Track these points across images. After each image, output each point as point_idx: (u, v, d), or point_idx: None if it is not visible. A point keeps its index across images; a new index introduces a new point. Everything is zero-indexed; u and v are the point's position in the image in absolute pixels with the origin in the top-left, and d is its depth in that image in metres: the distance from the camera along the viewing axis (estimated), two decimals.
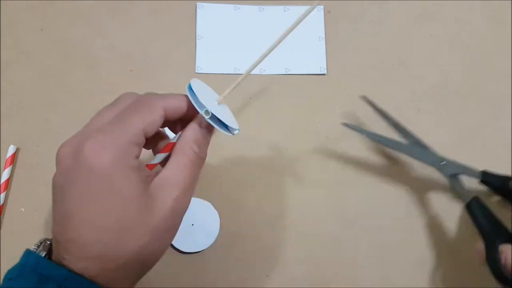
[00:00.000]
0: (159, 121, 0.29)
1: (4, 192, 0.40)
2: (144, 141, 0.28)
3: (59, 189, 0.27)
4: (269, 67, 0.46)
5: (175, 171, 0.28)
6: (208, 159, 0.45)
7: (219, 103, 0.31)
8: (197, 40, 0.47)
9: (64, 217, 0.26)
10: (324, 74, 0.47)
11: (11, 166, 0.41)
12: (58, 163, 0.27)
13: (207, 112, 0.29)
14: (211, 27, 0.48)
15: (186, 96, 0.30)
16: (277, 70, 0.46)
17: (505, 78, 0.47)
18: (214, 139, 0.44)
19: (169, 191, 0.27)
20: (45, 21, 0.47)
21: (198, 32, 0.47)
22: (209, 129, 0.31)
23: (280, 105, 0.45)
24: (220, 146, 0.44)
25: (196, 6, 0.48)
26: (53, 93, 0.44)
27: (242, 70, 0.46)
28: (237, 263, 0.39)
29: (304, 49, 0.47)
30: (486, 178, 0.40)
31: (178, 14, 0.48)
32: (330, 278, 0.40)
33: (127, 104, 0.29)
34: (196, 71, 0.46)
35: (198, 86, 0.30)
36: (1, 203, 0.40)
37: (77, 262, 0.25)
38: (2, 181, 0.40)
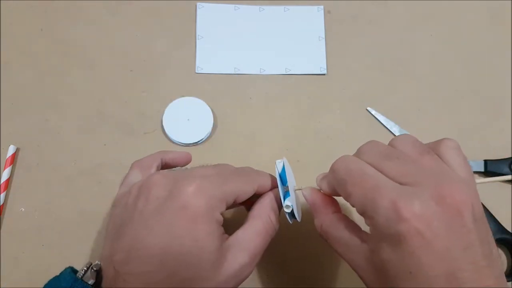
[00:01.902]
0: (251, 193, 0.30)
1: (4, 192, 0.40)
2: (231, 204, 0.29)
3: (137, 214, 0.27)
4: (269, 67, 0.46)
5: (249, 236, 0.29)
6: (208, 159, 0.45)
7: (296, 190, 0.33)
8: (197, 40, 0.47)
9: (134, 247, 0.26)
10: (324, 74, 0.47)
11: (11, 166, 0.41)
12: (147, 188, 0.27)
13: (287, 206, 0.31)
14: (211, 27, 0.48)
15: (274, 177, 0.32)
16: (277, 70, 0.46)
17: (505, 78, 0.47)
18: (214, 138, 0.44)
19: (239, 255, 0.28)
20: (45, 21, 0.47)
21: (198, 32, 0.47)
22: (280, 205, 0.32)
23: (280, 105, 0.45)
24: (220, 146, 0.44)
25: (196, 6, 0.48)
26: (53, 93, 0.44)
27: (242, 70, 0.46)
28: None
29: (304, 49, 0.47)
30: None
31: (178, 14, 0.48)
32: (330, 278, 0.40)
33: (229, 170, 0.31)
34: (196, 71, 0.46)
35: (287, 169, 0.32)
36: (1, 203, 0.40)
37: None
38: (2, 181, 0.40)
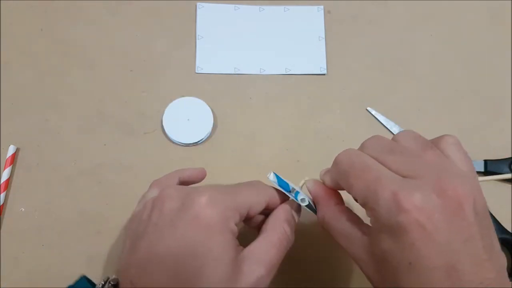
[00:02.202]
0: (263, 205, 0.30)
1: (4, 192, 0.40)
2: (245, 216, 0.29)
3: (152, 227, 0.27)
4: (269, 67, 0.46)
5: (264, 248, 0.29)
6: (208, 159, 0.45)
7: (301, 188, 0.33)
8: (197, 40, 0.47)
9: (149, 260, 0.26)
10: (324, 74, 0.47)
11: (11, 166, 0.41)
12: (161, 200, 0.27)
13: (303, 200, 0.31)
14: (211, 27, 0.48)
15: (280, 191, 0.32)
16: (277, 70, 0.46)
17: (505, 78, 0.47)
18: (214, 138, 0.44)
19: (255, 268, 0.27)
20: (45, 21, 0.47)
21: (198, 32, 0.47)
22: (298, 212, 0.33)
23: (280, 105, 0.45)
24: (220, 146, 0.44)
25: (196, 6, 0.48)
26: (53, 93, 0.44)
27: (242, 70, 0.46)
28: None
29: (304, 49, 0.47)
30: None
31: (178, 14, 0.48)
32: (330, 278, 0.40)
33: (239, 184, 0.31)
34: (196, 71, 0.46)
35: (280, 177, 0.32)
36: (1, 203, 0.40)
37: None
38: (2, 181, 0.40)
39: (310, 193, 0.32)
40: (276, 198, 0.32)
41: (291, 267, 0.40)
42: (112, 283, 0.27)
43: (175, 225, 0.26)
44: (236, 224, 0.28)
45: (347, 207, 0.31)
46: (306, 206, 0.31)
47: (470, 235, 0.23)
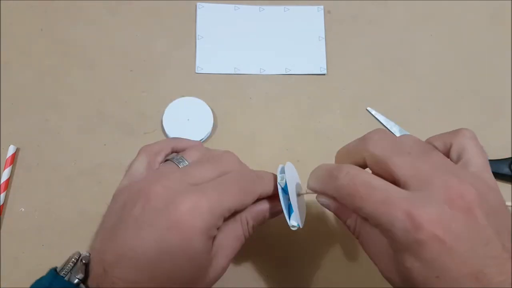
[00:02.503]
0: (249, 204, 0.30)
1: (4, 192, 0.40)
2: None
3: (132, 220, 0.27)
4: (269, 67, 0.46)
5: (230, 242, 0.29)
6: None
7: (299, 195, 0.32)
8: (197, 40, 0.47)
9: (126, 254, 0.26)
10: (324, 74, 0.47)
11: (11, 166, 0.41)
12: (146, 196, 0.27)
13: (293, 226, 0.30)
14: (211, 27, 0.48)
15: (275, 180, 0.31)
16: (277, 70, 0.46)
17: (505, 78, 0.47)
18: (214, 138, 0.44)
19: (222, 261, 0.29)
20: (45, 21, 0.47)
21: (198, 32, 0.47)
22: (272, 215, 0.32)
23: (280, 105, 0.45)
24: (220, 146, 0.44)
25: (196, 6, 0.48)
26: (53, 93, 0.44)
27: (242, 70, 0.46)
28: (237, 263, 0.39)
29: (304, 49, 0.47)
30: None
31: (178, 14, 0.48)
32: (330, 278, 0.40)
33: (232, 177, 0.30)
34: (196, 71, 0.46)
35: (289, 173, 0.32)
36: (1, 203, 0.40)
37: None
38: (2, 181, 0.40)
39: (329, 209, 0.30)
40: (268, 192, 0.31)
41: (291, 267, 0.40)
42: (84, 261, 0.27)
43: (155, 227, 0.26)
44: (218, 228, 0.28)
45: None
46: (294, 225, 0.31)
47: (487, 238, 0.23)
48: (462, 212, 0.23)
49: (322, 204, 0.30)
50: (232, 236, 0.29)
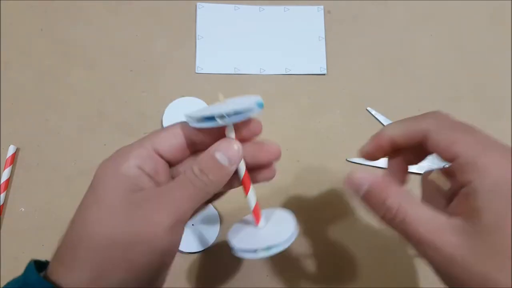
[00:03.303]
0: (175, 142, 0.29)
1: (4, 192, 0.40)
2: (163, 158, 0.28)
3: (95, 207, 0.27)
4: (269, 67, 0.46)
5: (188, 210, 0.26)
6: None
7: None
8: (197, 40, 0.47)
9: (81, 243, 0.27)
10: (324, 74, 0.47)
11: (11, 166, 0.41)
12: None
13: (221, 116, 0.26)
14: (211, 27, 0.48)
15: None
16: (277, 70, 0.46)
17: (505, 78, 0.47)
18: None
19: (181, 232, 0.27)
20: (45, 21, 0.47)
21: (198, 32, 0.47)
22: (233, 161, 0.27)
23: (280, 105, 0.45)
24: None
25: (196, 6, 0.48)
26: (53, 93, 0.44)
27: (242, 70, 0.46)
28: (237, 263, 0.39)
29: (304, 49, 0.47)
30: None
31: (178, 14, 0.48)
32: (330, 278, 0.40)
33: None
34: (196, 71, 0.46)
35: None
36: (1, 203, 0.40)
37: None
38: (2, 181, 0.40)
39: (360, 186, 0.26)
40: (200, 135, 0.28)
41: (291, 267, 0.40)
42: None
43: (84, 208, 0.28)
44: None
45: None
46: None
47: None
48: None
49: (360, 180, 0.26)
50: (190, 204, 0.27)
